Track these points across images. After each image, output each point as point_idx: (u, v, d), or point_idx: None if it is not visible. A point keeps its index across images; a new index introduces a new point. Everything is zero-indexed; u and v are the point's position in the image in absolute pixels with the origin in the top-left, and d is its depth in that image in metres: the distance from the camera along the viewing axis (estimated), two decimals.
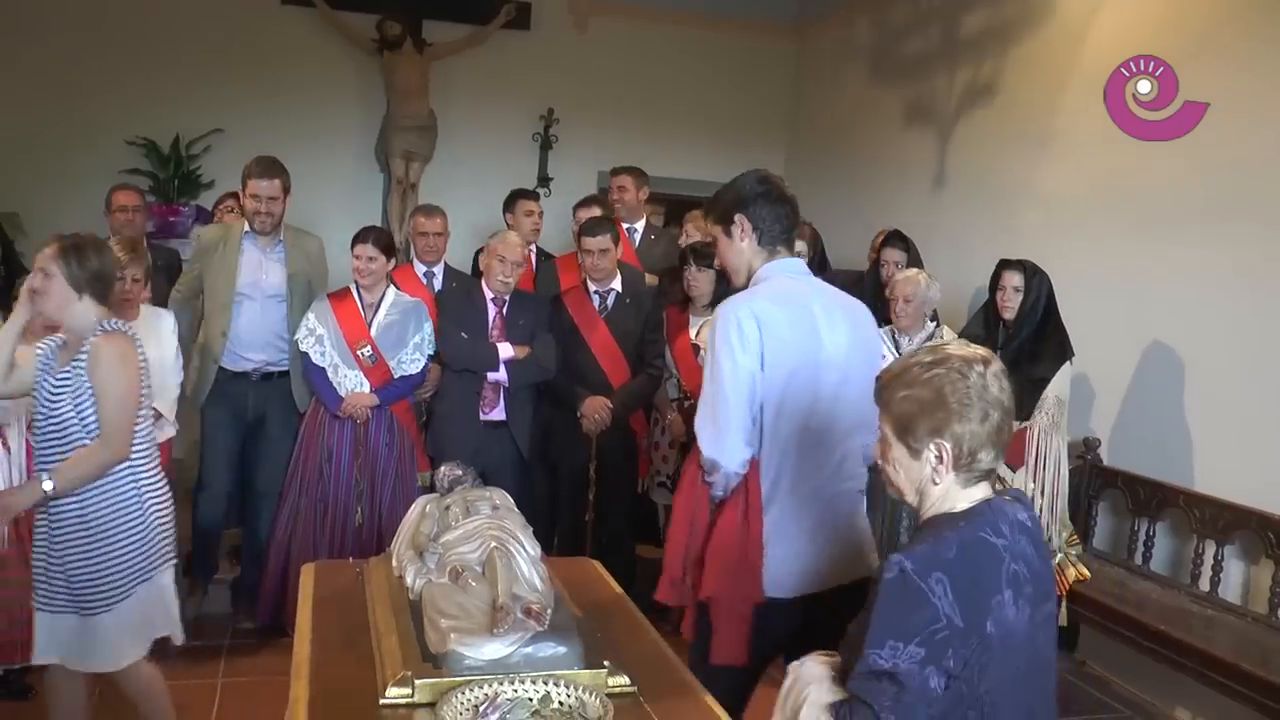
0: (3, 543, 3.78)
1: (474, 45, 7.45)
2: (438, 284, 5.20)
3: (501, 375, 4.67)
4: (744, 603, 2.52)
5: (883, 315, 4.96)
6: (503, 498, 2.47)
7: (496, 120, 7.58)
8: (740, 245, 2.72)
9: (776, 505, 2.56)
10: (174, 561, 3.37)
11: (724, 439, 2.52)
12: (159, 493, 3.30)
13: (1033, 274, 4.39)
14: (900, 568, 1.73)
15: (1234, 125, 4.33)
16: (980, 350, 1.90)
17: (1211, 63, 4.40)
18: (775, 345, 2.53)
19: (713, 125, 7.91)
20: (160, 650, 4.51)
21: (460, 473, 2.58)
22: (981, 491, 1.87)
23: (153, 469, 3.30)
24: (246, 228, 4.66)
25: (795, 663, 1.94)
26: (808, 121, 8.10)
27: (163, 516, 3.28)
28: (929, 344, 1.97)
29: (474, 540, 2.23)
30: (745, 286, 2.73)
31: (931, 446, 1.83)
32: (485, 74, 7.50)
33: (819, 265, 5.17)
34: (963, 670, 1.72)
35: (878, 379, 1.95)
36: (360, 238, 4.61)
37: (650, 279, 5.34)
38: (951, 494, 1.86)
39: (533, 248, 5.49)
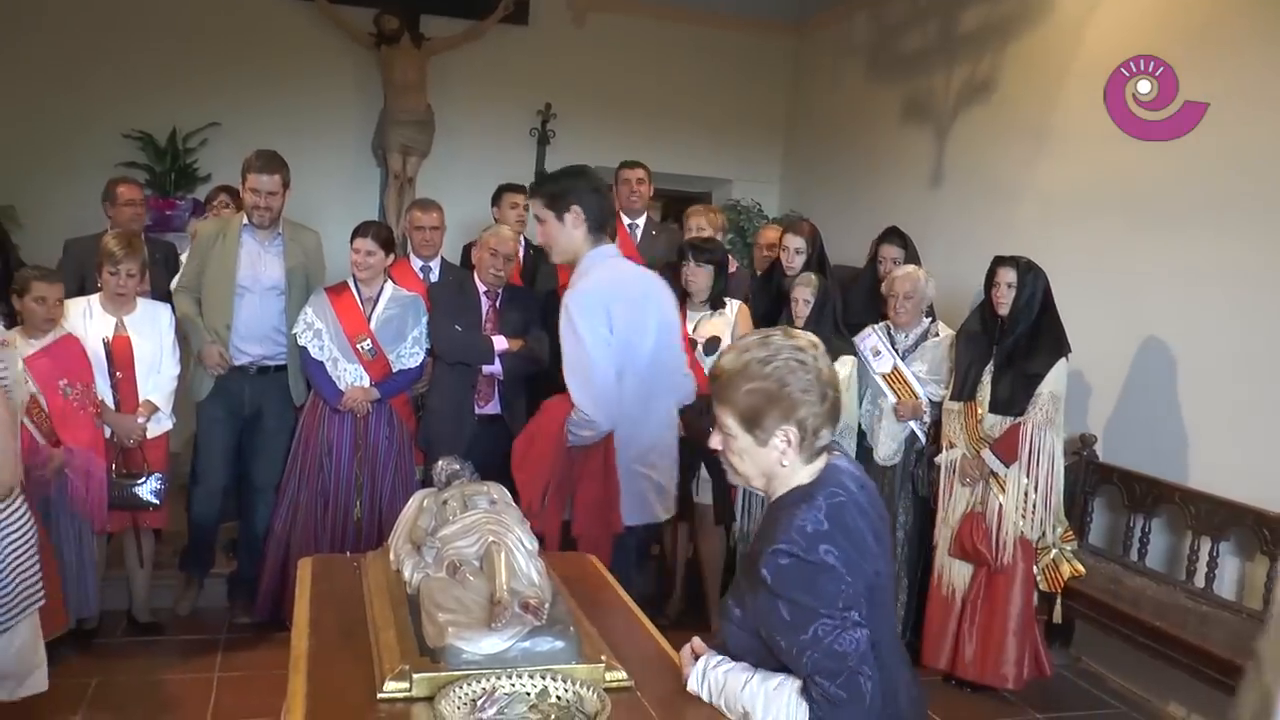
0: None
1: (471, 40, 7.44)
2: (434, 278, 5.20)
3: (496, 368, 4.67)
4: (606, 533, 3.38)
5: (879, 311, 4.98)
6: (500, 492, 2.47)
7: (494, 115, 7.57)
8: (573, 231, 3.36)
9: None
10: (36, 608, 3.23)
11: (601, 403, 3.27)
12: (18, 535, 3.15)
13: (1026, 270, 4.40)
14: (790, 555, 1.86)
15: (1234, 124, 4.33)
16: (806, 336, 2.04)
17: (1211, 63, 4.41)
18: (621, 325, 3.29)
19: (710, 121, 7.91)
20: (157, 643, 4.57)
21: (458, 467, 2.58)
22: (821, 461, 2.02)
23: (11, 510, 3.14)
24: (245, 221, 4.65)
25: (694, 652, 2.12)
26: (805, 118, 8.10)
27: (22, 563, 3.13)
28: (756, 336, 2.04)
29: (471, 534, 2.23)
30: (569, 265, 3.44)
31: (779, 434, 1.95)
32: (483, 69, 7.49)
33: (817, 262, 5.17)
34: (866, 621, 1.88)
35: (713, 376, 2.05)
36: (360, 232, 4.61)
37: None
38: (796, 472, 2.00)
39: (521, 240, 5.49)
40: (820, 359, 1.99)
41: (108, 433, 4.37)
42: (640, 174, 5.72)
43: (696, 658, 2.08)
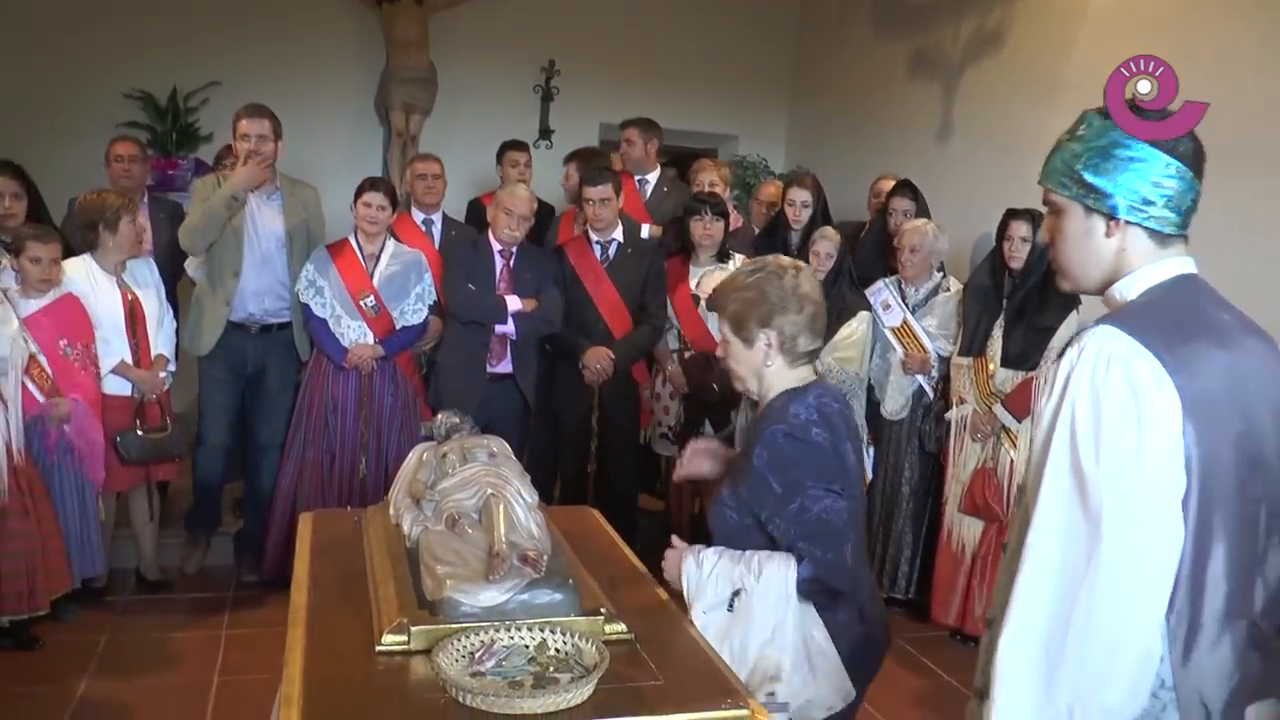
0: (3, 495, 3.79)
1: None
2: (436, 231, 5.18)
3: (509, 328, 4.66)
4: None
5: (888, 265, 4.94)
6: (500, 445, 2.45)
7: (497, 72, 7.49)
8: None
9: None
10: None
11: None
12: None
13: (1040, 223, 4.34)
14: (786, 434, 2.12)
15: (1249, 76, 4.26)
16: (791, 260, 2.31)
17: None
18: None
19: (716, 77, 7.82)
20: (166, 601, 4.60)
21: (458, 420, 2.56)
22: (808, 372, 2.27)
23: None
24: None
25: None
26: (811, 72, 8.00)
27: None
28: (751, 260, 2.41)
29: (471, 487, 2.22)
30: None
31: (761, 337, 2.21)
32: (485, 26, 7.39)
33: (822, 217, 5.13)
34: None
35: (713, 291, 2.33)
36: (370, 186, 4.59)
37: (654, 229, 5.31)
38: (782, 375, 2.23)
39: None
40: (800, 277, 2.23)
41: (129, 390, 4.39)
42: (629, 133, 5.68)
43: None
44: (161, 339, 4.55)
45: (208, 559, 4.99)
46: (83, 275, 4.36)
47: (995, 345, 4.43)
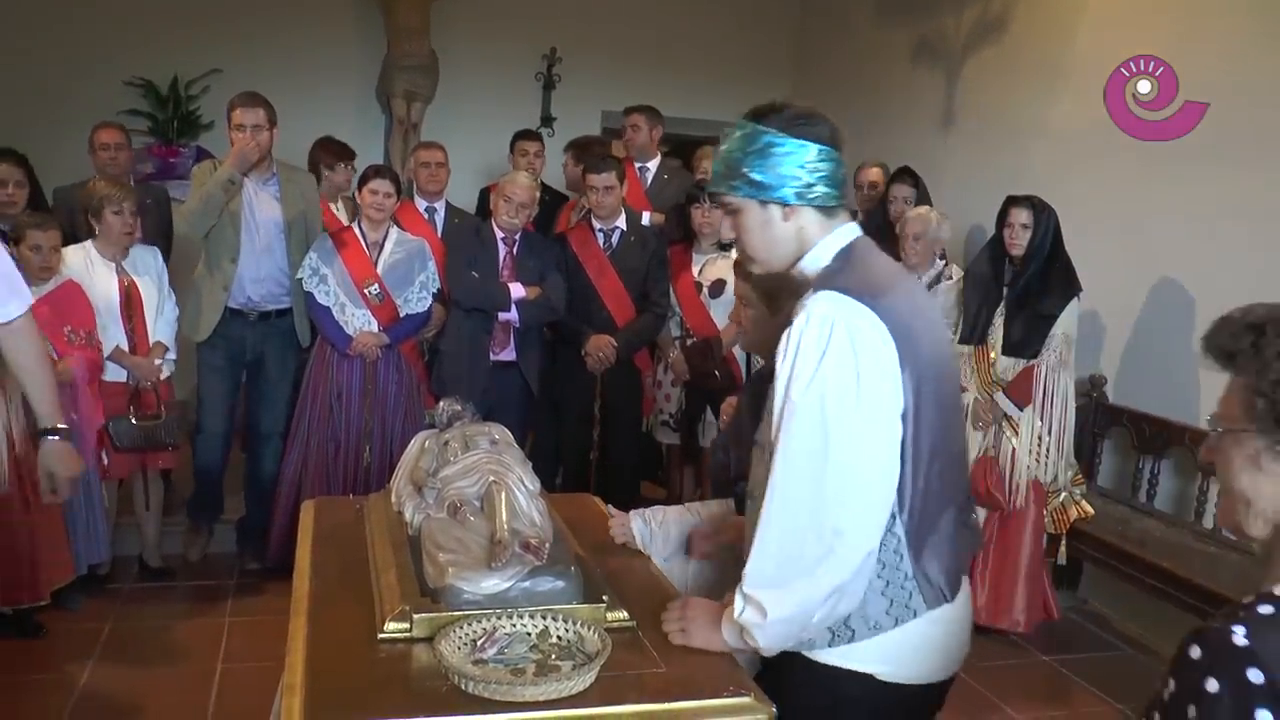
0: (4, 483, 3.79)
1: None
2: (439, 219, 5.18)
3: (512, 315, 4.66)
4: None
5: (890, 253, 4.92)
6: (501, 432, 2.45)
7: (499, 60, 7.47)
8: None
9: None
10: None
11: None
12: None
13: (1040, 210, 4.34)
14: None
15: (1253, 67, 4.25)
16: None
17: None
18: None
19: (717, 64, 7.79)
20: (169, 589, 4.61)
21: (459, 408, 2.56)
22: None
23: None
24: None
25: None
26: (814, 59, 7.98)
27: None
28: None
29: (472, 475, 2.22)
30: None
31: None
32: (487, 13, 7.38)
33: None
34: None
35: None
36: (375, 174, 4.59)
37: (656, 217, 5.30)
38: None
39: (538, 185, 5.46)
40: None
41: (124, 377, 4.39)
42: (635, 119, 5.66)
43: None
44: (161, 327, 4.54)
45: (210, 546, 5.00)
46: (81, 261, 4.38)
47: (996, 333, 4.42)
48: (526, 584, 1.99)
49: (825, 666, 1.86)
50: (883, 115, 6.84)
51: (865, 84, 7.13)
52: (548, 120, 7.54)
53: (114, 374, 4.42)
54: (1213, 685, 1.16)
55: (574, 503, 2.84)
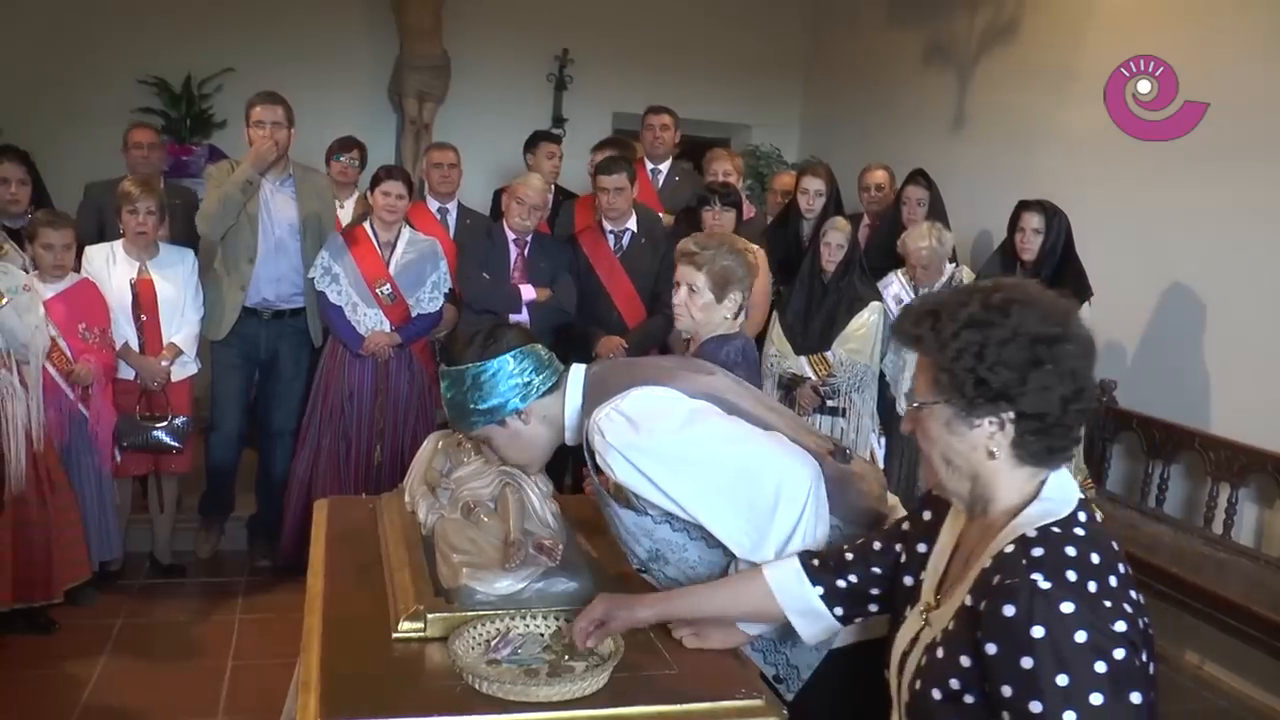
0: (22, 481, 3.82)
1: None
2: (451, 220, 5.20)
3: (523, 317, 4.67)
4: None
5: (900, 258, 4.92)
6: None
7: (510, 60, 7.49)
8: None
9: None
10: None
11: None
12: None
13: (1052, 215, 4.34)
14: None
15: (1263, 72, 4.25)
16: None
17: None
18: None
19: (729, 65, 7.80)
20: (180, 585, 4.63)
21: None
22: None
23: None
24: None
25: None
26: (825, 61, 7.99)
27: None
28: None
29: (486, 476, 2.23)
30: None
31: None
32: (499, 13, 7.40)
33: (834, 206, 5.12)
34: None
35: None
36: (388, 174, 4.60)
37: (666, 219, 5.31)
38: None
39: (551, 187, 5.48)
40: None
41: (132, 375, 4.41)
42: (665, 120, 5.68)
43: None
44: (180, 329, 4.52)
45: (222, 544, 5.02)
46: (102, 258, 4.40)
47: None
48: (540, 585, 2.00)
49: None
50: (893, 117, 6.85)
51: (876, 86, 7.14)
52: (559, 121, 7.55)
53: (125, 372, 4.44)
54: (1038, 631, 1.32)
55: (585, 504, 2.84)
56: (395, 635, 1.93)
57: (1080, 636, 1.32)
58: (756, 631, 1.99)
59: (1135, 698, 1.32)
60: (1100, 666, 1.31)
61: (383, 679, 1.80)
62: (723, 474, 1.98)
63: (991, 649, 1.37)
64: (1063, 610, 1.33)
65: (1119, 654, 1.32)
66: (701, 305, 2.91)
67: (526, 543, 2.03)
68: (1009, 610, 1.35)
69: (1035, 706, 1.32)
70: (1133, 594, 1.45)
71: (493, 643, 1.88)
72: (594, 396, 2.09)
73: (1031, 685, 1.32)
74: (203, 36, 6.87)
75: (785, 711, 1.79)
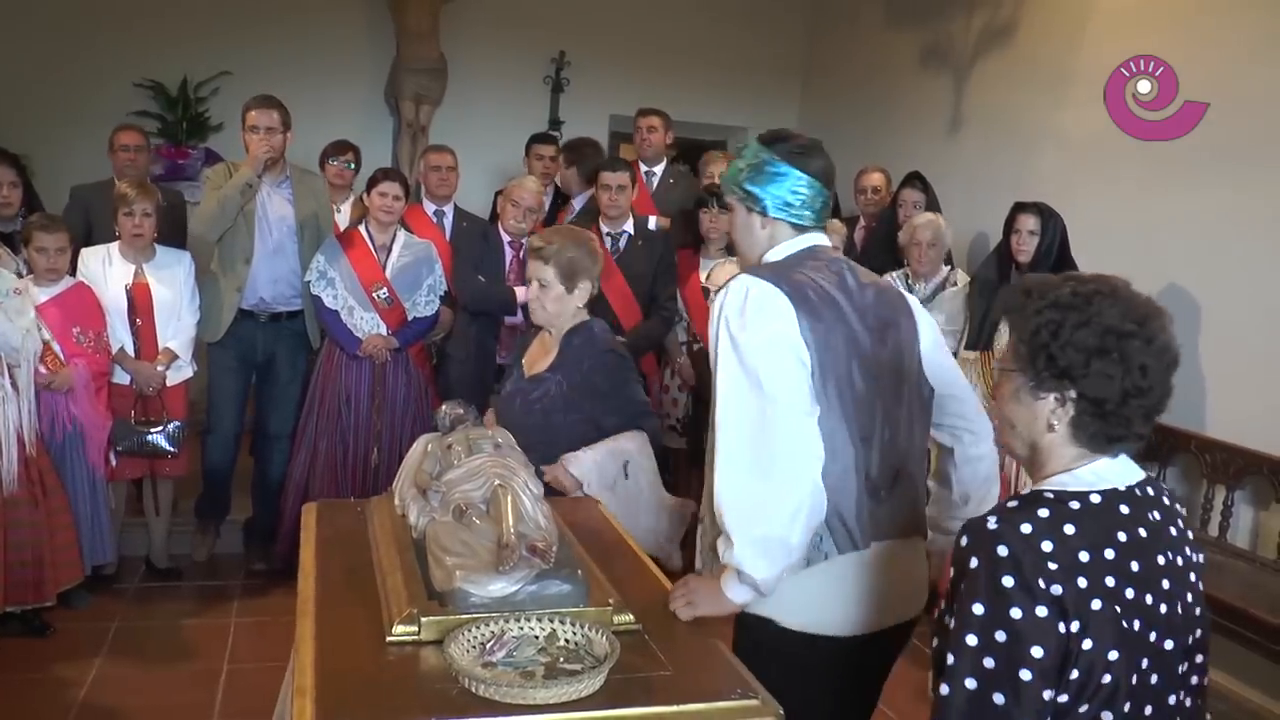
0: (13, 484, 3.81)
1: None
2: (448, 223, 5.19)
3: (519, 319, 4.66)
4: None
5: (895, 258, 4.93)
6: (505, 436, 2.45)
7: (507, 63, 7.48)
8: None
9: None
10: None
11: None
12: None
13: (1048, 217, 4.34)
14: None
15: (1258, 78, 4.25)
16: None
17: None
18: None
19: (726, 68, 7.80)
20: (175, 588, 4.62)
21: (462, 411, 2.56)
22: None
23: None
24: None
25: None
26: (822, 64, 7.99)
27: None
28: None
29: (477, 478, 2.22)
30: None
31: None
32: (496, 16, 7.40)
33: (831, 210, 5.12)
34: None
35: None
36: (386, 176, 4.60)
37: (662, 221, 5.31)
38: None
39: (550, 189, 5.49)
40: None
41: (127, 379, 4.40)
42: (652, 121, 5.67)
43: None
44: (172, 333, 4.50)
45: (217, 547, 5.01)
46: (99, 261, 4.39)
47: (1002, 339, 4.41)
48: (534, 587, 1.99)
49: (743, 614, 2.10)
50: (891, 119, 6.86)
51: (874, 88, 7.14)
52: (556, 123, 7.54)
53: (121, 376, 4.43)
54: (974, 562, 1.49)
55: (577, 507, 2.84)
56: (390, 639, 1.91)
57: (1008, 581, 1.44)
58: (743, 600, 2.06)
59: (1037, 652, 1.42)
60: (1016, 613, 1.42)
61: (379, 682, 1.79)
62: (743, 432, 2.03)
63: (950, 574, 1.56)
64: (998, 552, 1.46)
65: (1041, 611, 1.42)
66: (554, 298, 3.08)
67: (519, 545, 2.02)
68: (963, 541, 1.53)
69: (951, 622, 1.51)
70: (1112, 583, 1.49)
71: (488, 645, 1.87)
72: (777, 265, 2.18)
73: (959, 606, 1.49)
74: (199, 39, 6.86)
75: (781, 711, 1.79)
